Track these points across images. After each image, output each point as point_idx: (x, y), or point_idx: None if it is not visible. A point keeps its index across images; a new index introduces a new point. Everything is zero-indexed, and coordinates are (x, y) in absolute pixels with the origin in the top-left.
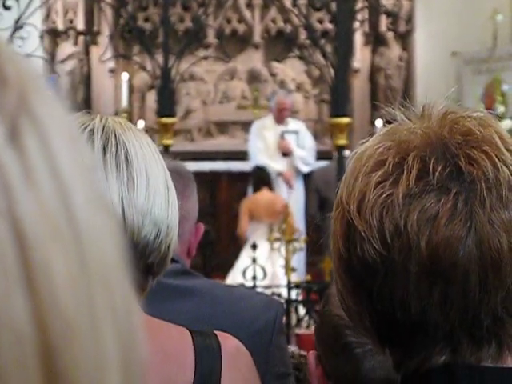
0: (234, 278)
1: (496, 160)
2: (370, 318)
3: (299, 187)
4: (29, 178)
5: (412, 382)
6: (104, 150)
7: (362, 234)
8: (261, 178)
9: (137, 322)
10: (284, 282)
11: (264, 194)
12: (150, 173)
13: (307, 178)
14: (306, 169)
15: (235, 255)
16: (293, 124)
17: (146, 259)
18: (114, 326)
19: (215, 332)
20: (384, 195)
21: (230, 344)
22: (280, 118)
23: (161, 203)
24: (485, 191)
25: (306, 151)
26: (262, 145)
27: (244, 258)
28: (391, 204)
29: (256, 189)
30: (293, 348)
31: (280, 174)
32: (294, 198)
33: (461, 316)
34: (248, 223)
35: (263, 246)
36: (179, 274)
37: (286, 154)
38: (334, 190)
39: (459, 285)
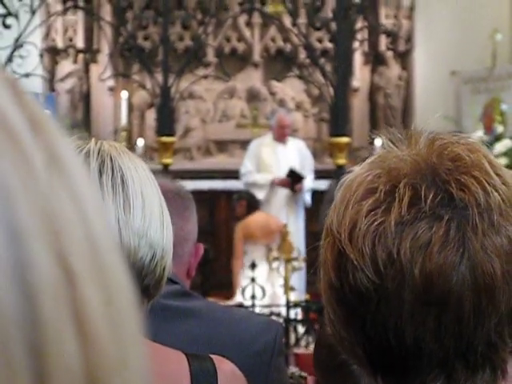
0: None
1: (486, 185)
2: (363, 347)
3: (299, 207)
4: (73, 217)
5: None
6: (100, 172)
7: (355, 262)
8: (250, 201)
9: (144, 349)
10: (283, 301)
11: (258, 215)
12: (146, 195)
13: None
14: (308, 196)
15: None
16: (293, 142)
17: (141, 281)
18: (137, 354)
19: (211, 356)
20: (376, 223)
21: (225, 367)
22: (281, 136)
23: (156, 225)
24: (477, 217)
25: (308, 176)
26: (254, 164)
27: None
28: (383, 232)
29: (248, 212)
30: (293, 369)
31: (273, 184)
32: (294, 217)
33: (455, 343)
34: (242, 249)
35: (262, 267)
36: (179, 296)
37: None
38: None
39: (453, 311)
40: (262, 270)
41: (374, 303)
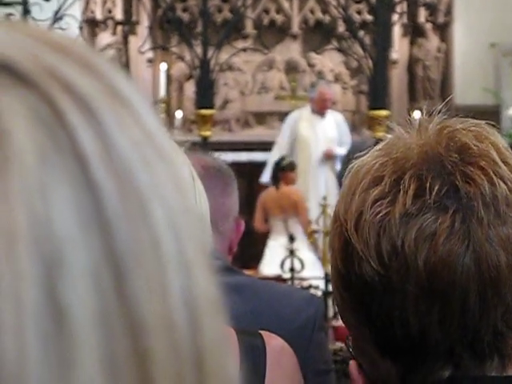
0: (269, 269)
1: (493, 176)
2: (370, 333)
3: (334, 186)
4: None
5: None
6: None
7: (360, 252)
8: (273, 171)
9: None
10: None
11: (274, 189)
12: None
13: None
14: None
15: None
16: (331, 115)
17: None
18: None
19: (260, 332)
20: (381, 214)
21: (274, 343)
22: (322, 109)
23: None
24: (482, 208)
25: (344, 148)
26: (290, 140)
27: (270, 249)
28: (388, 223)
29: (274, 182)
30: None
31: (324, 156)
32: (332, 189)
33: (461, 333)
34: (262, 218)
35: (279, 241)
36: (221, 272)
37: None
38: None
39: (458, 303)
40: (280, 242)
41: (379, 293)
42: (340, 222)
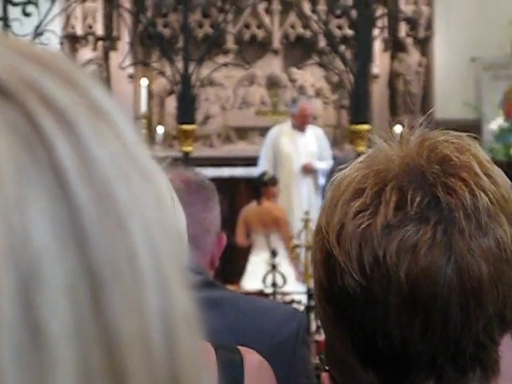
0: (250, 284)
1: (474, 187)
2: (352, 345)
3: (316, 201)
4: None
5: None
6: None
7: (342, 264)
8: (255, 187)
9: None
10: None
11: (255, 205)
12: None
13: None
14: (324, 181)
15: None
16: (312, 130)
17: None
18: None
19: (238, 347)
20: (363, 226)
21: (252, 359)
22: (303, 124)
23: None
24: (463, 220)
25: (325, 162)
26: (272, 155)
27: (252, 264)
28: (370, 235)
29: (255, 198)
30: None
31: (303, 170)
32: (315, 204)
33: (443, 344)
34: (244, 233)
35: (261, 256)
36: (203, 286)
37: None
38: None
39: (440, 314)
40: (262, 257)
41: (361, 305)
42: (322, 234)
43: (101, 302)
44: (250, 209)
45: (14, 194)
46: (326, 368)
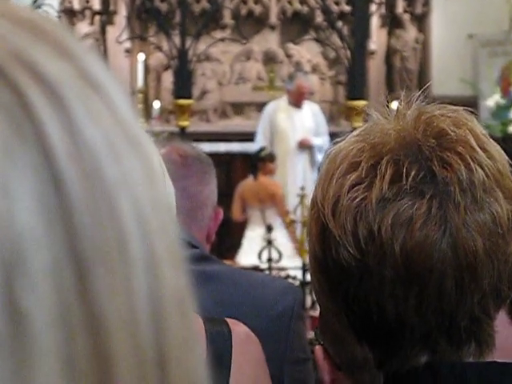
0: (246, 259)
1: (470, 161)
2: (348, 319)
3: (312, 177)
4: None
5: (395, 382)
6: None
7: (337, 237)
8: (252, 162)
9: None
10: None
11: (251, 180)
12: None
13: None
14: (320, 157)
15: None
16: (308, 106)
17: None
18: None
19: (226, 319)
20: (358, 199)
21: (239, 330)
22: (299, 101)
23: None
24: (459, 194)
25: (321, 138)
26: (268, 131)
27: (247, 239)
28: (365, 208)
29: (251, 172)
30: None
31: (299, 145)
32: (310, 179)
33: (437, 318)
34: (240, 208)
35: (256, 231)
36: (199, 260)
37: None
38: None
39: (434, 289)
40: (256, 234)
41: (356, 278)
42: (317, 207)
43: (86, 286)
44: (246, 184)
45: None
46: (321, 342)
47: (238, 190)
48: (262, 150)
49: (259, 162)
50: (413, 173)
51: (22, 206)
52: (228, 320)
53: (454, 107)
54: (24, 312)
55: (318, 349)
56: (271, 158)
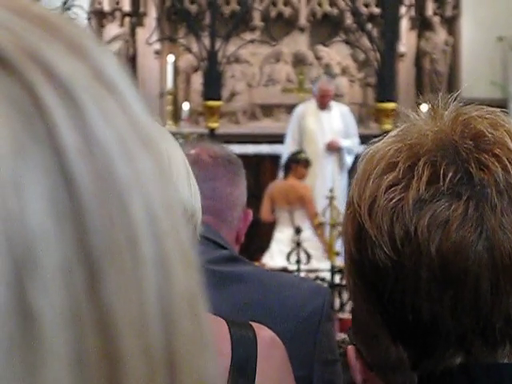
0: (272, 260)
1: (507, 163)
2: (382, 319)
3: (343, 180)
4: None
5: (428, 383)
6: None
7: (373, 238)
8: (285, 163)
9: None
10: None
11: (283, 181)
12: (171, 155)
13: (350, 172)
14: (350, 159)
15: None
16: (337, 108)
17: None
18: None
19: (251, 323)
20: (395, 200)
21: (265, 334)
22: (322, 104)
23: (183, 184)
24: (496, 196)
25: (350, 139)
26: (297, 134)
27: (276, 241)
28: (402, 209)
29: (284, 173)
30: (343, 335)
31: (327, 147)
32: (339, 181)
33: (473, 320)
34: (269, 208)
35: (285, 233)
36: (228, 261)
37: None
38: None
39: (470, 290)
40: (286, 234)
41: (391, 279)
42: (354, 207)
43: (97, 286)
44: (276, 184)
45: (10, 173)
46: (353, 343)
47: (268, 190)
48: (300, 152)
49: (293, 164)
50: (450, 174)
51: (33, 205)
52: (253, 324)
53: (491, 108)
54: (35, 312)
55: (350, 349)
56: (307, 163)
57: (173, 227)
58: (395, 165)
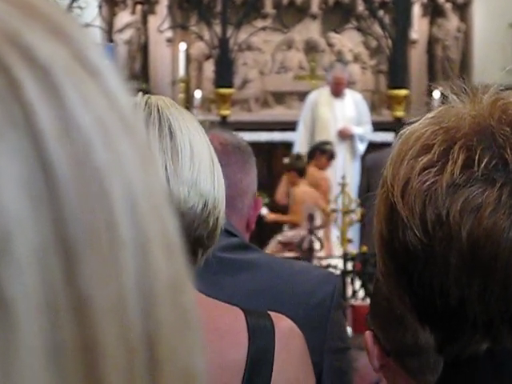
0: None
1: None
2: (410, 300)
3: (355, 167)
4: None
5: (454, 367)
6: (146, 123)
7: (405, 219)
8: (312, 150)
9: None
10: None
11: (305, 189)
12: (194, 145)
13: (362, 159)
14: (362, 146)
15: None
16: (350, 95)
17: (194, 231)
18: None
19: (269, 312)
20: (428, 182)
21: (283, 325)
22: (336, 92)
23: (206, 175)
24: None
25: (362, 126)
26: (310, 121)
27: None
28: (435, 192)
29: (308, 158)
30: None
31: (339, 134)
32: (349, 176)
33: (500, 307)
34: (285, 191)
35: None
36: (238, 248)
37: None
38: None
39: (500, 277)
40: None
41: (421, 262)
42: (387, 187)
43: (74, 272)
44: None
45: None
46: (371, 328)
47: (287, 174)
48: (327, 143)
49: (318, 152)
50: (485, 160)
51: (8, 189)
52: (271, 313)
53: None
54: (8, 299)
55: (367, 334)
56: (331, 155)
57: (154, 213)
58: (430, 147)
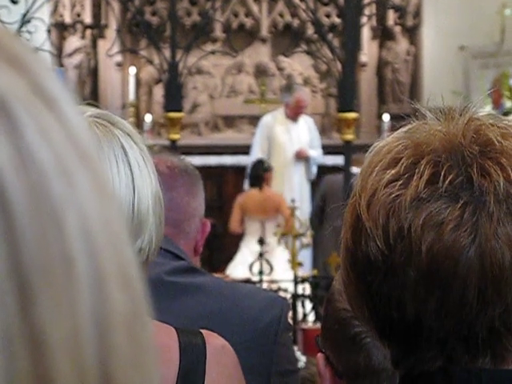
0: (236, 271)
1: (511, 173)
2: (369, 312)
3: (306, 189)
4: None
5: (409, 382)
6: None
7: (368, 230)
8: (257, 173)
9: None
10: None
11: (257, 192)
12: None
13: (315, 183)
14: (314, 169)
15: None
16: (303, 119)
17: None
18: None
19: (201, 330)
20: (393, 195)
21: (215, 342)
22: (296, 115)
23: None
24: (494, 204)
25: (315, 150)
26: (266, 144)
27: (243, 252)
28: (399, 205)
29: (252, 184)
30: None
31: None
32: (305, 198)
33: (456, 326)
34: (239, 219)
35: (254, 244)
36: (185, 272)
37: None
38: (339, 202)
39: (457, 295)
40: (254, 246)
41: (381, 273)
42: (355, 197)
43: (30, 305)
44: (250, 195)
45: None
46: (322, 350)
47: (239, 200)
48: (263, 161)
49: (266, 173)
50: (451, 176)
51: None
52: (204, 331)
53: (510, 118)
54: None
55: (319, 356)
56: (271, 168)
57: (110, 244)
58: (399, 160)
